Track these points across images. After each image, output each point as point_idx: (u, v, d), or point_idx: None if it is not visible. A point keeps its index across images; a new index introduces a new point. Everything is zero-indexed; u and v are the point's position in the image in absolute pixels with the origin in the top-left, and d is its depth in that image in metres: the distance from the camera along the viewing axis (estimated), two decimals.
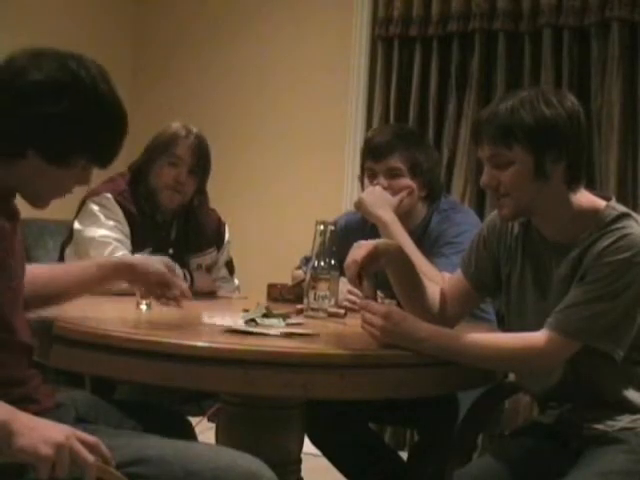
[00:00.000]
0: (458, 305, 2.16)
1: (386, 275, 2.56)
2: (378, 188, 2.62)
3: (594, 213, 1.92)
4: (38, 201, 1.71)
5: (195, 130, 2.80)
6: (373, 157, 2.68)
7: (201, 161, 2.78)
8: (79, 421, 1.73)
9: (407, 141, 2.67)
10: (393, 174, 2.63)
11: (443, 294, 2.15)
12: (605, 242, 1.86)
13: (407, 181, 2.64)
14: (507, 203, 1.93)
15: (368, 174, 2.70)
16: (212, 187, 2.94)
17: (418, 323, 1.91)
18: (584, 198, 1.95)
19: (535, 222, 2.01)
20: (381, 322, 1.87)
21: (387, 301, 2.27)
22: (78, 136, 1.59)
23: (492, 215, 2.14)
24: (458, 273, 2.18)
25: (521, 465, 1.93)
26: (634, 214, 1.92)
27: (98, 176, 2.82)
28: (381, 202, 2.57)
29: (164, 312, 2.39)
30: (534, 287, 2.01)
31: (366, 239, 2.67)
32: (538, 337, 1.86)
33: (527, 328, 1.94)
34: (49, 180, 1.65)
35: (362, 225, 2.75)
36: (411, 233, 2.63)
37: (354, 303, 2.52)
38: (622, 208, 1.93)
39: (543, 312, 1.92)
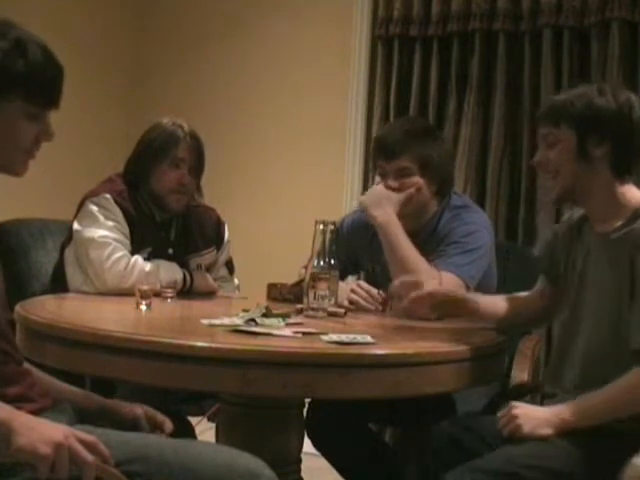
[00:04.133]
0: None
1: (386, 275, 2.57)
2: (379, 187, 2.61)
3: (630, 205, 2.00)
4: (6, 168, 1.63)
5: (186, 126, 2.77)
6: (384, 157, 2.64)
7: (199, 158, 2.77)
8: (77, 420, 1.73)
9: (418, 138, 2.63)
10: (403, 174, 2.60)
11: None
12: None
13: (416, 179, 2.60)
14: (554, 184, 2.06)
15: (379, 172, 2.68)
16: (212, 187, 2.94)
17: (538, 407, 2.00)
18: (630, 193, 2.02)
19: (586, 212, 2.11)
20: (516, 411, 1.92)
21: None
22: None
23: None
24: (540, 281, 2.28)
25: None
26: None
27: (97, 177, 2.84)
28: (380, 202, 2.55)
29: (164, 312, 2.40)
30: (579, 275, 2.10)
31: (371, 238, 2.69)
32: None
33: (568, 318, 2.06)
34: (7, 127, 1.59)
35: (368, 224, 2.76)
36: (421, 230, 2.62)
37: (354, 302, 2.53)
38: None
39: (583, 300, 2.03)
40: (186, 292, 2.70)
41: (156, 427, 1.84)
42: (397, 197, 2.56)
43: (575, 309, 2.08)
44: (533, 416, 1.91)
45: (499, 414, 1.96)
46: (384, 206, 2.54)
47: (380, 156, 2.67)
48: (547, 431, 1.88)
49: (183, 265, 2.76)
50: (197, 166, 2.77)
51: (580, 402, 1.92)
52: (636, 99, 2.04)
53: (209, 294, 2.79)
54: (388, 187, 2.61)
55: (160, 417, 1.85)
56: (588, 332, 2.03)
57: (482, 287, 2.57)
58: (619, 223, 2.00)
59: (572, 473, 1.86)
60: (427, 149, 2.62)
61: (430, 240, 2.58)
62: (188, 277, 2.72)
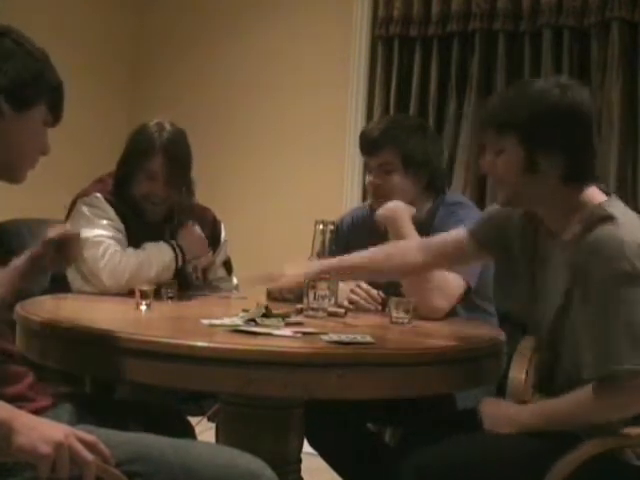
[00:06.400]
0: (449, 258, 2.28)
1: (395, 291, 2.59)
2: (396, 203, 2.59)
3: (585, 209, 1.89)
4: (12, 170, 1.70)
5: (168, 132, 2.69)
6: (366, 152, 2.69)
7: (177, 168, 2.69)
8: (78, 420, 1.73)
9: (400, 133, 2.63)
10: (386, 170, 2.62)
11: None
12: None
13: (398, 178, 2.61)
14: (499, 190, 2.01)
15: (367, 168, 2.72)
16: (211, 186, 2.93)
17: (507, 405, 2.00)
18: (584, 196, 1.92)
19: (540, 216, 2.01)
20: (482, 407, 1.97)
21: (394, 299, 2.30)
22: (35, 75, 1.66)
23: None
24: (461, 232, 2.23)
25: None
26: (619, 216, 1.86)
27: (89, 177, 2.84)
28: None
29: (164, 312, 2.39)
30: (531, 275, 2.04)
31: (370, 235, 2.71)
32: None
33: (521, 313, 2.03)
34: (18, 137, 1.67)
35: (368, 220, 2.77)
36: (415, 226, 2.62)
37: (354, 302, 2.53)
38: (609, 210, 1.87)
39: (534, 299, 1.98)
40: (183, 265, 2.70)
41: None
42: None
43: (528, 309, 2.07)
44: (494, 414, 1.94)
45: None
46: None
47: (363, 151, 2.70)
48: (505, 430, 1.90)
49: (179, 268, 2.74)
50: (174, 177, 2.69)
51: (539, 406, 1.94)
52: (584, 94, 1.91)
53: (208, 295, 2.78)
54: (370, 183, 2.65)
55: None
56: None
57: (479, 285, 2.58)
58: (575, 230, 1.88)
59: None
60: (410, 144, 2.62)
61: (425, 236, 2.59)
62: (178, 249, 2.70)
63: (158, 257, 2.65)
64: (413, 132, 2.67)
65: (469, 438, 1.95)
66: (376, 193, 2.66)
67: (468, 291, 2.52)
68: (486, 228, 2.17)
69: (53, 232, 1.97)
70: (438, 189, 2.70)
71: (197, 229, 2.79)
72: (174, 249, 2.70)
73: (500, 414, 1.94)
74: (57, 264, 2.01)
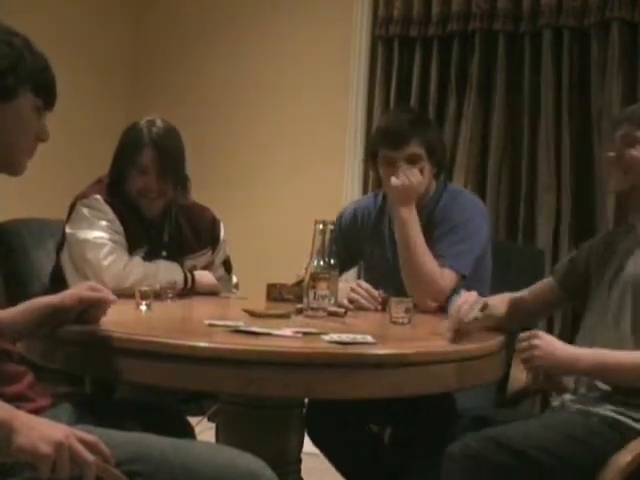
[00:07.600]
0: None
1: (384, 258, 2.59)
2: (412, 178, 2.62)
3: None
4: (10, 162, 1.68)
5: (158, 128, 2.69)
6: (392, 146, 2.65)
7: (168, 163, 2.68)
8: (78, 420, 1.73)
9: (421, 125, 2.71)
10: (412, 160, 2.64)
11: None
12: None
13: (423, 165, 2.65)
14: (623, 178, 2.12)
15: (385, 162, 2.68)
16: (211, 185, 2.93)
17: (563, 344, 2.01)
18: None
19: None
20: (537, 342, 1.96)
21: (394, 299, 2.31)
22: (11, 63, 1.62)
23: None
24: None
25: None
26: None
27: (89, 178, 2.84)
28: (408, 196, 2.59)
29: (164, 312, 2.39)
30: (613, 276, 2.11)
31: (374, 224, 2.74)
32: None
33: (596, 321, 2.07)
34: (7, 127, 1.64)
35: (370, 208, 2.82)
36: (422, 208, 2.67)
37: (354, 302, 2.54)
38: None
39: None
40: (187, 292, 2.69)
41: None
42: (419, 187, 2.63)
43: (605, 311, 2.10)
44: (552, 356, 1.96)
45: (521, 335, 2.01)
46: (409, 200, 2.59)
47: (388, 145, 2.67)
48: (560, 372, 1.98)
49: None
50: (166, 170, 2.68)
51: (600, 356, 1.95)
52: None
53: (209, 294, 2.78)
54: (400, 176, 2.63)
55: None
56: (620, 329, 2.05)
57: (476, 276, 2.60)
58: None
59: (573, 459, 1.90)
60: (430, 134, 2.70)
61: (428, 221, 2.66)
62: (189, 277, 2.71)
63: (166, 274, 2.65)
64: (427, 122, 2.81)
65: (526, 424, 1.99)
66: None
67: (463, 278, 2.57)
68: (573, 277, 2.26)
69: (88, 292, 1.89)
70: (441, 171, 2.78)
71: (212, 277, 2.83)
72: (185, 274, 2.71)
73: (556, 356, 1.96)
74: (79, 320, 1.89)
